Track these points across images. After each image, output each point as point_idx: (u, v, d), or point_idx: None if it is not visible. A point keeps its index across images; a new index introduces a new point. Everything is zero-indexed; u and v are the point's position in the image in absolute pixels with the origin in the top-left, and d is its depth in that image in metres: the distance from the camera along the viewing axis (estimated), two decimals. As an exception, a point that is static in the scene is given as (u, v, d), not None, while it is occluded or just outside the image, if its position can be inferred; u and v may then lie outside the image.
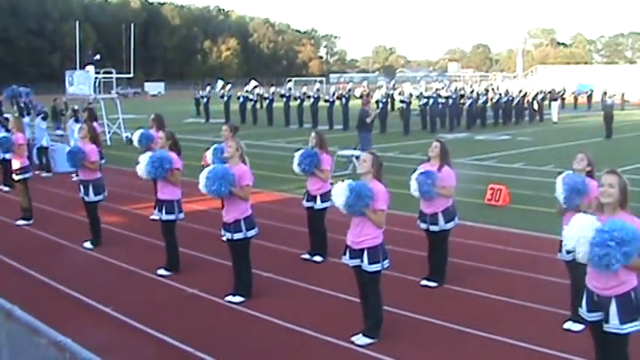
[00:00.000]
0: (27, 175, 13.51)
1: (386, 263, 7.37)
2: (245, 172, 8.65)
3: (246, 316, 8.27)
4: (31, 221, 13.37)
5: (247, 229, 8.66)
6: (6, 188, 17.26)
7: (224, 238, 8.92)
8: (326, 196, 10.17)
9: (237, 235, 8.65)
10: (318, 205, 10.51)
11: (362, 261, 7.30)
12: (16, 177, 13.59)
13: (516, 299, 8.63)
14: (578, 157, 7.77)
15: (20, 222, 13.34)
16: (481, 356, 7.13)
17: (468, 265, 10.16)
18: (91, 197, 11.50)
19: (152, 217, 13.16)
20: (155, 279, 9.76)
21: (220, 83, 43.64)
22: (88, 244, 11.52)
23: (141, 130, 13.91)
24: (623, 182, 5.54)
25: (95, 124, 15.16)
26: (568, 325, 7.62)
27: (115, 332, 7.79)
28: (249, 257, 8.89)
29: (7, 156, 15.46)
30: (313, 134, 10.75)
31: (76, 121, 19.02)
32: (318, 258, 10.58)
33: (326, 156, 10.51)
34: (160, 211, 10.02)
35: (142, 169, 9.86)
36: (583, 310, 5.69)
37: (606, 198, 5.51)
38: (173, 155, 9.96)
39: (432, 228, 9.27)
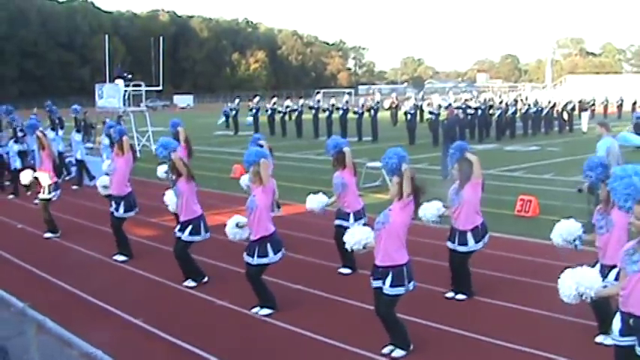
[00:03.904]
0: (53, 195, 13.28)
1: (411, 286, 7.25)
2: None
3: (276, 328, 8.27)
4: (59, 234, 13.46)
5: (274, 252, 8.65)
6: (10, 196, 18.24)
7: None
8: (359, 214, 10.22)
9: (262, 260, 8.64)
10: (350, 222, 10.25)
11: (383, 283, 7.17)
12: (42, 195, 13.31)
13: (547, 311, 8.50)
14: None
15: (48, 234, 13.42)
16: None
17: (498, 276, 10.08)
18: (120, 213, 11.66)
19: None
20: (184, 291, 9.80)
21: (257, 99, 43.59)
22: (119, 257, 11.59)
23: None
24: None
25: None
26: (600, 338, 7.49)
27: (146, 344, 7.83)
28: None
29: (18, 164, 16.39)
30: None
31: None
32: (346, 270, 10.55)
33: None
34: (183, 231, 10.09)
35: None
36: (615, 334, 5.55)
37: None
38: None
39: (461, 249, 9.12)
